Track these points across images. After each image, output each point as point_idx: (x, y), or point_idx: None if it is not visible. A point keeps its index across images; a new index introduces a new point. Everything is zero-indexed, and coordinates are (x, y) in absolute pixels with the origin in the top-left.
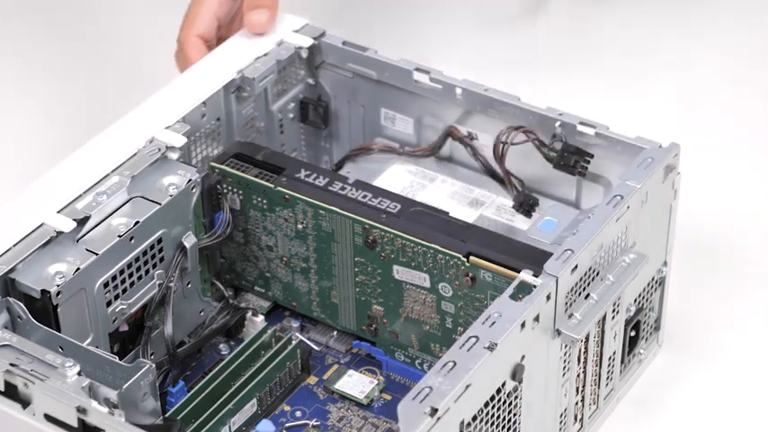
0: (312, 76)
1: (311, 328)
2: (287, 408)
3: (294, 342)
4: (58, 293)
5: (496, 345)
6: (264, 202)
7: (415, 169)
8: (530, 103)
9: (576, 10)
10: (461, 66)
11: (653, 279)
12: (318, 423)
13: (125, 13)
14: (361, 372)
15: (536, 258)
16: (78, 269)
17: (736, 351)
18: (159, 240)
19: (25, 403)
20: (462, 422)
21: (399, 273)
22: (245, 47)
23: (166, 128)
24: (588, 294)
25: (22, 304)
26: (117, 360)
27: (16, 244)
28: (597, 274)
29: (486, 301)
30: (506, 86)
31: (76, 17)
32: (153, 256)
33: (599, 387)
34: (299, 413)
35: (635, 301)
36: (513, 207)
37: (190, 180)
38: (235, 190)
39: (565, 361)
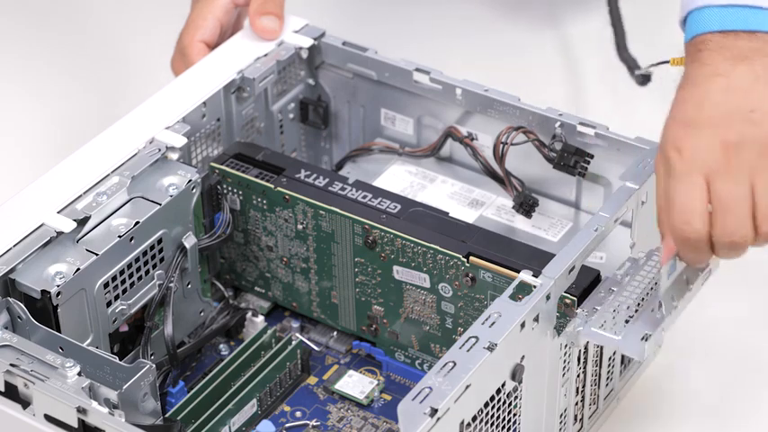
0: (312, 76)
1: (311, 329)
2: (287, 408)
3: (294, 342)
4: (58, 294)
5: (496, 345)
6: (264, 202)
7: (415, 169)
8: (530, 103)
9: (577, 11)
10: (462, 66)
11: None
12: (318, 423)
13: (126, 12)
14: (361, 372)
15: (536, 258)
16: (78, 269)
17: (736, 351)
18: (159, 241)
19: (25, 404)
20: (462, 422)
21: (399, 273)
22: (245, 47)
23: (166, 128)
24: None
25: (22, 304)
26: (117, 360)
27: (16, 244)
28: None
29: (486, 301)
30: (506, 87)
31: (77, 17)
32: (153, 257)
33: (599, 387)
34: (299, 413)
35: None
36: (513, 207)
37: (190, 180)
38: (235, 190)
39: (565, 361)
